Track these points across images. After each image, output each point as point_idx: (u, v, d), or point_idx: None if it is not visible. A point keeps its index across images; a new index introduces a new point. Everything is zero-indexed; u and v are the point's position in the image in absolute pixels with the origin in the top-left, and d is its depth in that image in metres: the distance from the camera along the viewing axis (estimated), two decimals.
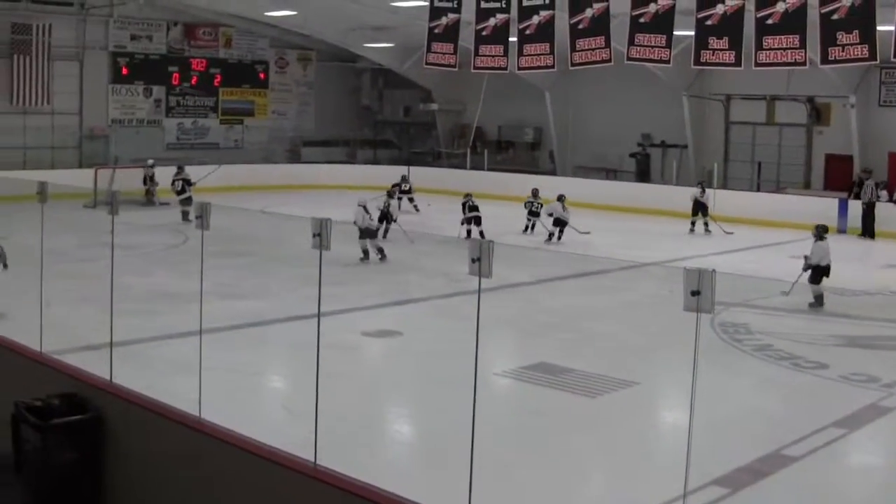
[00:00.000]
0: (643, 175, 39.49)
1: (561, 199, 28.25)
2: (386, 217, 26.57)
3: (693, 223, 30.81)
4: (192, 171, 32.13)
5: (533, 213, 29.89)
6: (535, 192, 30.15)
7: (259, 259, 23.41)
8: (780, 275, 22.95)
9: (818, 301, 19.17)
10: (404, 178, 35.52)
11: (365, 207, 23.58)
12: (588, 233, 27.98)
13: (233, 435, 8.45)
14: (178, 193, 31.00)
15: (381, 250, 23.58)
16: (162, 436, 8.94)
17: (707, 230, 30.50)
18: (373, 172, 42.44)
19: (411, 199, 35.01)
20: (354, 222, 23.25)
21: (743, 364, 14.96)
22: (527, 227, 30.00)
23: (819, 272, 19.07)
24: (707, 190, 31.07)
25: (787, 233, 30.71)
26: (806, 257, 19.24)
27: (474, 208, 27.85)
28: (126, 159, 37.66)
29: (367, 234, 23.36)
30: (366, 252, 23.37)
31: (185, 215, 29.33)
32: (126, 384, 9.66)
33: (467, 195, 28.43)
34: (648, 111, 39.37)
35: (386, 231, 26.38)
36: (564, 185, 34.34)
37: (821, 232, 19.46)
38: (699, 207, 30.73)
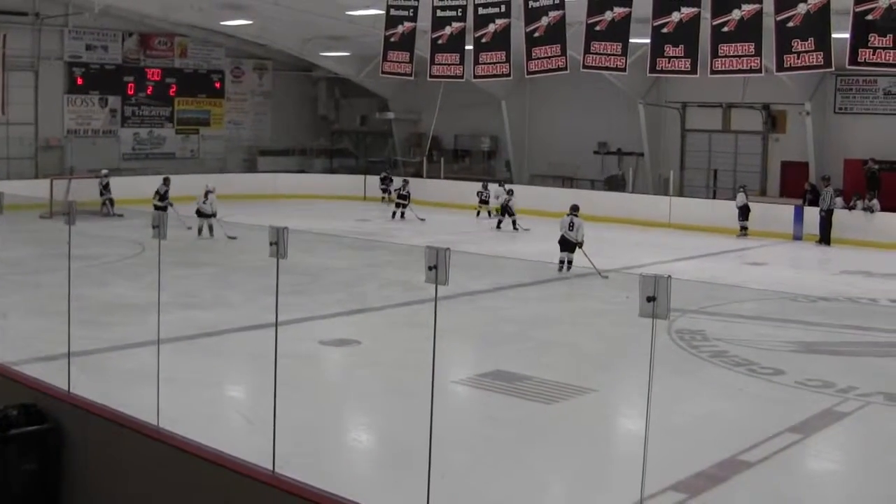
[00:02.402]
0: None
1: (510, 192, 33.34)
2: (507, 210, 32.33)
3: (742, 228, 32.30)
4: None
5: (483, 202, 35.75)
6: (485, 185, 36.09)
7: (218, 269, 23.34)
8: (737, 281, 23.18)
9: (561, 266, 23.05)
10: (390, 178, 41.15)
11: (206, 193, 27.70)
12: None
13: (191, 444, 8.46)
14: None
15: (200, 229, 27.62)
16: (121, 445, 8.93)
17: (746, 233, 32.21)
18: (329, 181, 42.54)
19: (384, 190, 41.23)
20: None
21: (699, 370, 15.04)
22: (478, 213, 35.82)
23: (566, 243, 22.97)
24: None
25: (743, 240, 30.97)
26: None
27: (404, 196, 35.09)
28: (82, 170, 37.56)
29: (201, 214, 27.70)
30: (199, 230, 27.66)
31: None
32: (84, 394, 9.64)
33: (399, 179, 35.94)
34: (605, 119, 39.55)
35: (508, 223, 32.14)
36: (521, 193, 34.49)
37: (570, 210, 23.51)
38: (744, 211, 32.27)
